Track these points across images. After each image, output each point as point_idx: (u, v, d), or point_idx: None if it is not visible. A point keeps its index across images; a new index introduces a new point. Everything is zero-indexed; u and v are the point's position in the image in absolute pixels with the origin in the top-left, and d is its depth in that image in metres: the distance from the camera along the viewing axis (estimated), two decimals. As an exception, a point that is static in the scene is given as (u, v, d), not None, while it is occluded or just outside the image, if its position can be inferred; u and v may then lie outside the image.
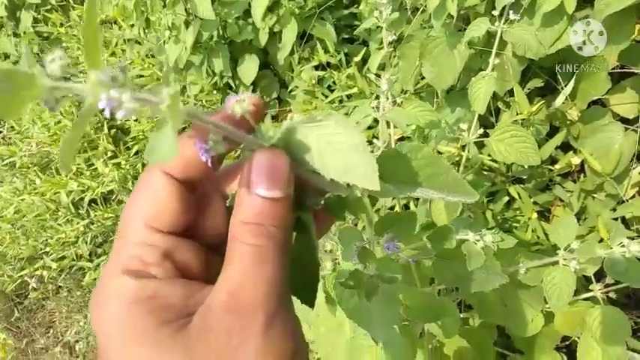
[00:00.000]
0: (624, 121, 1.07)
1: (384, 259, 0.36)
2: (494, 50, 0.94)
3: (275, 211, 0.25)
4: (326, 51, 1.45)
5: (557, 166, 1.14)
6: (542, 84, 1.17)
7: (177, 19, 1.46)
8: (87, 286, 1.62)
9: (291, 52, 1.46)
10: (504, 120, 1.16)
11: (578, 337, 0.88)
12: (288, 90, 1.53)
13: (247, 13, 1.42)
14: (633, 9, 0.92)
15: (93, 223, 1.65)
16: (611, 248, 0.61)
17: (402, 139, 1.17)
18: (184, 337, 0.23)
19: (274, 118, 1.59)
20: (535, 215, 1.12)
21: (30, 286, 1.62)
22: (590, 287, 0.86)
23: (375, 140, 0.83)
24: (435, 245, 0.41)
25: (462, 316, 0.96)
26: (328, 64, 1.48)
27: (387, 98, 0.68)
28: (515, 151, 0.88)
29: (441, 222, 0.89)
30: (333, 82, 1.47)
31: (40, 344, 1.60)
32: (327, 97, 1.46)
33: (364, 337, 0.83)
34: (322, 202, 0.29)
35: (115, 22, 1.82)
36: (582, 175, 1.18)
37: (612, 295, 0.96)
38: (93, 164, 1.69)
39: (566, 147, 1.17)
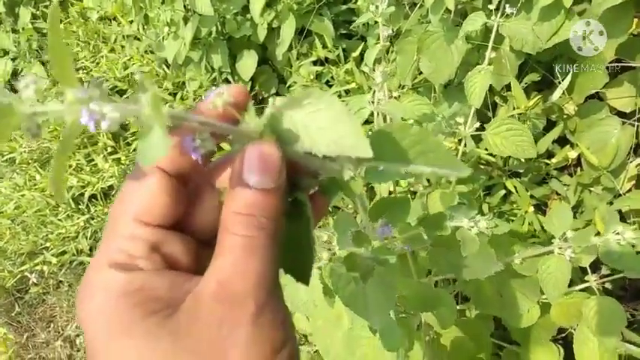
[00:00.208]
0: (621, 115, 1.07)
1: (379, 245, 0.37)
2: (490, 44, 0.94)
3: (267, 202, 0.25)
4: (324, 46, 1.46)
5: (553, 160, 1.15)
6: (539, 78, 1.17)
7: (175, 15, 1.46)
8: (87, 281, 1.62)
9: (290, 48, 1.46)
10: (501, 114, 1.16)
11: (574, 329, 0.89)
12: (287, 85, 1.54)
13: (246, 8, 1.42)
14: (631, 3, 0.92)
15: (93, 219, 1.66)
16: (606, 236, 0.62)
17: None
18: (172, 326, 0.24)
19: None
20: (532, 209, 1.12)
21: (30, 281, 1.62)
22: (586, 278, 0.86)
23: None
24: (429, 233, 0.42)
25: (458, 308, 0.97)
26: (326, 59, 1.48)
27: (382, 91, 0.69)
28: (512, 145, 0.88)
29: (438, 214, 0.89)
30: (332, 78, 1.47)
31: (40, 339, 1.61)
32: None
33: (362, 329, 0.83)
34: (317, 184, 0.29)
35: (114, 19, 1.82)
36: (579, 169, 1.19)
37: (608, 286, 0.96)
38: (93, 160, 1.70)
39: (563, 141, 1.17)
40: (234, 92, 0.26)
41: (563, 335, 1.01)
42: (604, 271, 0.96)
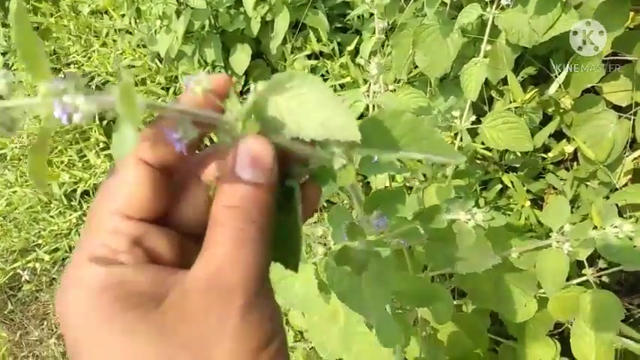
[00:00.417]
0: (617, 109, 1.07)
1: (376, 239, 0.36)
2: (485, 37, 0.93)
3: (258, 196, 0.25)
4: (319, 40, 1.44)
5: (550, 154, 1.15)
6: (536, 72, 1.17)
7: (168, 9, 1.44)
8: (80, 278, 1.61)
9: (284, 42, 1.44)
10: (498, 108, 1.16)
11: (571, 324, 0.88)
12: (282, 80, 1.52)
13: (239, 2, 1.41)
14: (627, -4, 0.92)
15: (85, 215, 1.64)
16: (604, 229, 0.61)
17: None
18: (156, 319, 0.23)
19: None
20: (528, 203, 1.12)
21: (23, 279, 1.61)
22: (583, 272, 0.86)
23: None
24: (425, 226, 0.41)
25: (455, 303, 0.96)
26: (321, 53, 1.47)
27: (378, 83, 0.68)
28: (508, 138, 0.88)
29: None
30: (326, 72, 1.46)
31: (34, 336, 1.59)
32: (320, 86, 1.45)
33: (358, 324, 0.83)
34: (307, 173, 0.29)
35: (106, 12, 1.79)
36: (575, 163, 1.18)
37: (605, 279, 0.96)
38: (85, 156, 1.68)
39: (559, 135, 1.17)
40: (214, 80, 0.25)
41: (560, 330, 1.01)
42: (601, 264, 0.96)
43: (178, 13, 1.43)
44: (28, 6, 1.92)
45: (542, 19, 0.99)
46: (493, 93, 1.20)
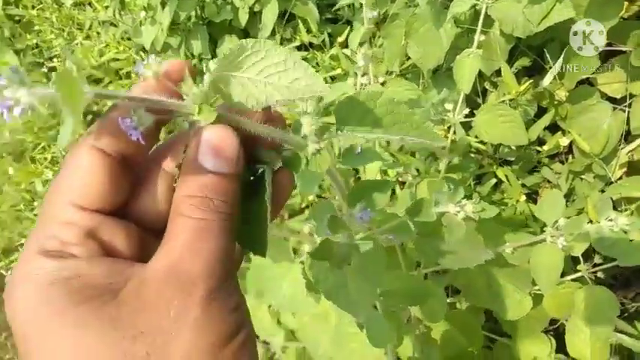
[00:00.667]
0: (612, 100, 1.05)
1: (366, 234, 0.35)
2: (479, 27, 0.91)
3: (224, 185, 0.24)
4: (309, 31, 1.41)
5: (545, 147, 1.13)
6: (530, 64, 1.15)
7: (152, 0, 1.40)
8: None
9: (273, 33, 1.41)
10: (491, 100, 1.14)
11: (566, 321, 0.87)
12: (271, 73, 1.49)
13: (226, -8, 1.37)
14: (622, -15, 0.90)
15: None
16: (599, 223, 0.60)
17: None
18: (110, 310, 0.22)
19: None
20: (523, 198, 1.10)
21: (6, 279, 1.56)
22: (579, 268, 0.85)
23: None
24: (414, 220, 0.39)
25: (448, 300, 0.94)
26: (311, 44, 1.44)
27: (367, 75, 0.65)
28: (502, 131, 0.86)
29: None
30: (317, 64, 1.43)
31: (18, 338, 1.55)
32: (310, 79, 1.42)
33: (349, 324, 0.81)
34: (280, 160, 0.28)
35: (89, 4, 1.74)
36: (570, 157, 1.17)
37: (600, 275, 0.95)
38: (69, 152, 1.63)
39: (554, 128, 1.15)
40: (168, 65, 0.24)
41: (556, 326, 1.00)
42: (596, 260, 0.94)
43: (163, 4, 1.39)
44: (8, -2, 1.86)
45: (536, 8, 0.97)
46: (487, 85, 1.18)
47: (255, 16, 1.41)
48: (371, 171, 0.90)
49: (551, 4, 0.96)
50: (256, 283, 0.73)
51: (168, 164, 0.27)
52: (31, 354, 0.22)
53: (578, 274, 0.86)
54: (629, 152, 1.08)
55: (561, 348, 0.89)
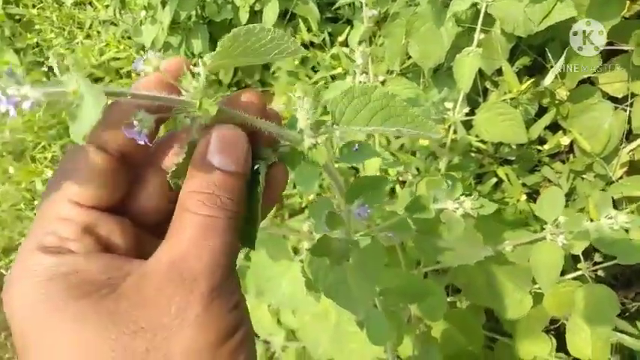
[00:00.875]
0: (613, 100, 1.05)
1: (365, 231, 0.35)
2: (479, 26, 0.91)
3: (231, 183, 0.24)
4: (309, 30, 1.41)
5: (546, 147, 1.13)
6: (531, 63, 1.14)
7: (153, -2, 1.40)
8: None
9: (273, 32, 1.41)
10: (492, 99, 1.13)
11: (567, 320, 0.87)
12: (271, 71, 1.49)
13: (227, -9, 1.37)
14: (623, -16, 0.90)
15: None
16: (599, 221, 0.59)
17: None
18: (109, 305, 0.22)
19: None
20: (524, 197, 1.10)
21: (4, 278, 1.57)
22: (579, 266, 0.84)
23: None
24: (413, 217, 0.39)
25: (449, 299, 0.94)
26: (312, 43, 1.43)
27: (364, 73, 0.65)
28: (503, 130, 0.86)
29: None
30: (318, 64, 1.43)
31: (18, 337, 1.55)
32: (310, 78, 1.42)
33: (349, 324, 0.81)
34: (275, 156, 0.28)
35: (90, 3, 1.74)
36: (571, 156, 1.16)
37: (601, 273, 0.95)
38: (69, 151, 1.63)
39: (554, 127, 1.15)
40: (167, 62, 0.25)
41: (556, 325, 0.99)
42: (597, 258, 0.94)
43: (164, 3, 1.39)
44: (9, -3, 1.86)
45: (537, 7, 0.96)
46: (487, 84, 1.18)
47: (255, 15, 1.41)
48: (370, 170, 0.90)
49: (553, 3, 0.96)
50: (256, 281, 0.73)
51: (167, 161, 0.27)
52: (29, 349, 0.22)
53: (579, 273, 0.86)
54: (630, 152, 1.08)
55: (562, 347, 0.89)
